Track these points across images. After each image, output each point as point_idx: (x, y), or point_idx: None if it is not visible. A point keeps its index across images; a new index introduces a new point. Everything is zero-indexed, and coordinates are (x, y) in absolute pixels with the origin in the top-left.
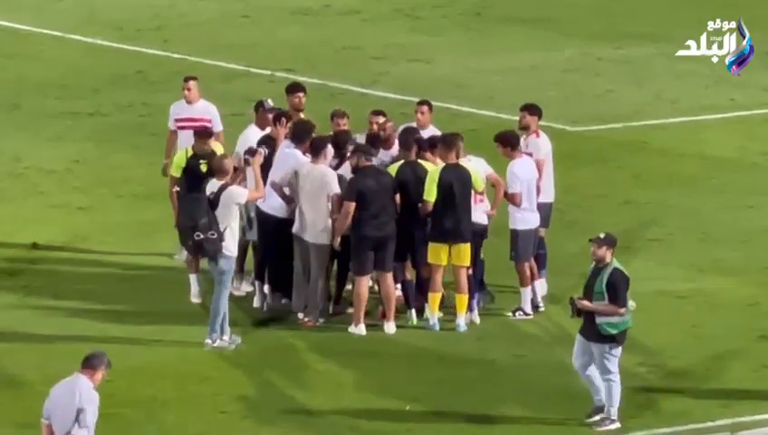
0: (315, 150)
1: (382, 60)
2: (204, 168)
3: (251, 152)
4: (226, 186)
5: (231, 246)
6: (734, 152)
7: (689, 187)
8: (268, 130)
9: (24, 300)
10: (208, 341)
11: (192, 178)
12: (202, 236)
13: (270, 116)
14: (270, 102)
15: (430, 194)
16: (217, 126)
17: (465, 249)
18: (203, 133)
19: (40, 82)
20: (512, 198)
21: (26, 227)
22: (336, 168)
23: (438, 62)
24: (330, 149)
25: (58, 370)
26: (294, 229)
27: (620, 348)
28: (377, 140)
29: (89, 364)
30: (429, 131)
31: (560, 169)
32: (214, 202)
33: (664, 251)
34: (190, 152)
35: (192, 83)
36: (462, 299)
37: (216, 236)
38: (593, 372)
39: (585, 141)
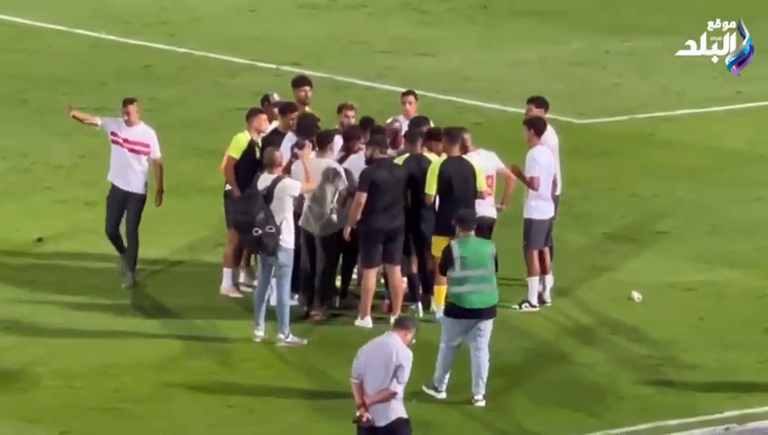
0: (321, 144)
1: (388, 54)
2: (258, 153)
3: (299, 145)
4: (279, 179)
5: (288, 239)
6: (742, 144)
7: (697, 179)
8: (275, 123)
9: (31, 294)
10: (281, 336)
11: (249, 162)
12: (260, 232)
13: (276, 110)
14: (276, 96)
15: (431, 187)
16: (155, 153)
17: None
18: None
19: (47, 77)
20: (530, 182)
21: (33, 221)
22: (341, 161)
23: (445, 56)
24: (336, 143)
25: (65, 364)
26: (301, 223)
27: (453, 322)
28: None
29: (402, 325)
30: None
31: (567, 161)
32: (268, 196)
33: (672, 243)
34: (249, 136)
35: (131, 107)
36: None
37: (274, 230)
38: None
39: (592, 134)
